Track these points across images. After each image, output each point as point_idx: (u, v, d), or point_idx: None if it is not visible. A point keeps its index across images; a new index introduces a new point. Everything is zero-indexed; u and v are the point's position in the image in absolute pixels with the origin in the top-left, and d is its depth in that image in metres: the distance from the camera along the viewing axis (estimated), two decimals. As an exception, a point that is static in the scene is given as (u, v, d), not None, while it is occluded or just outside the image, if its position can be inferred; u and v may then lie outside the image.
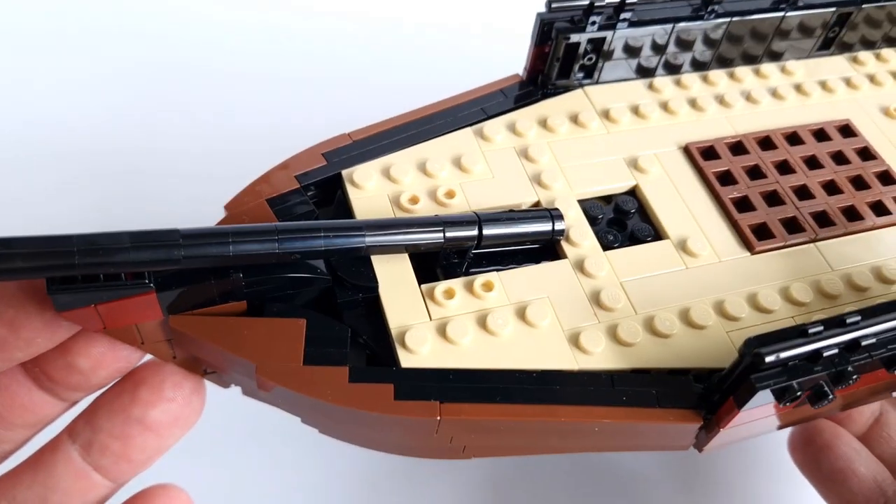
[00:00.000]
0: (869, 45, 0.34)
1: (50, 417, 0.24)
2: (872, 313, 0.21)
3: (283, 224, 0.22)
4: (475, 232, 0.24)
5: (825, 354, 0.21)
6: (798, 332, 0.21)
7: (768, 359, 0.20)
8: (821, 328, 0.21)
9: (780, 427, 0.26)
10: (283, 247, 0.21)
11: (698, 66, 0.32)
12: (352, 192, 0.25)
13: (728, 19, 0.30)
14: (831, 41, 0.33)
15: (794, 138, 0.30)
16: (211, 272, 0.21)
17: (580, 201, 0.27)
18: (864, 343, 0.21)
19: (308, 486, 0.34)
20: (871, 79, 0.33)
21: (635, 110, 0.30)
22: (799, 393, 0.21)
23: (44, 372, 0.22)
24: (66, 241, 0.19)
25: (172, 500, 0.23)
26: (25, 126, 0.45)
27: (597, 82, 0.30)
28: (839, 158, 0.30)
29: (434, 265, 0.24)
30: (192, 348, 0.22)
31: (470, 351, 0.22)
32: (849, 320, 0.21)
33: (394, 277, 0.23)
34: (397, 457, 0.25)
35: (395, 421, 0.21)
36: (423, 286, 0.23)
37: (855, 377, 0.21)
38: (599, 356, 0.23)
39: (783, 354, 0.20)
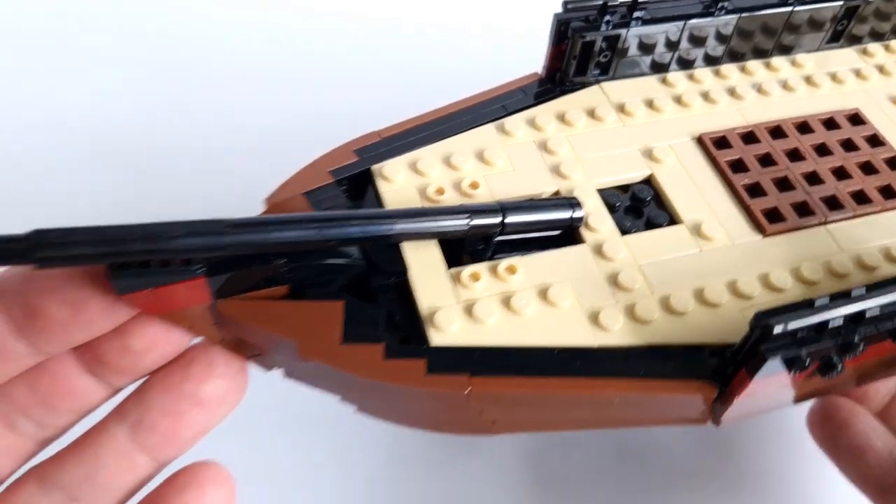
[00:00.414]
0: (878, 36, 0.35)
1: (93, 404, 0.25)
2: (877, 287, 0.22)
3: (321, 213, 0.23)
4: (499, 219, 0.25)
5: (831, 325, 0.22)
6: (805, 305, 0.22)
7: (776, 330, 0.21)
8: (827, 301, 0.22)
9: (797, 400, 0.27)
10: (320, 234, 0.23)
11: (710, 60, 0.33)
12: (382, 186, 0.27)
13: (737, 15, 0.32)
14: (840, 34, 0.34)
15: (804, 127, 0.31)
16: (255, 259, 0.23)
17: (599, 190, 0.28)
18: (868, 315, 0.22)
19: (334, 470, 0.36)
20: (881, 69, 0.34)
21: (650, 104, 0.31)
22: (808, 362, 0.22)
23: (98, 355, 0.24)
24: (126, 230, 0.21)
25: (213, 476, 0.25)
26: (29, 128, 0.48)
27: (612, 78, 0.32)
28: (848, 145, 0.31)
29: (461, 251, 0.26)
30: (237, 330, 0.24)
31: (496, 329, 0.24)
32: (854, 293, 0.22)
33: (423, 262, 0.25)
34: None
35: (427, 394, 0.23)
36: (450, 270, 0.25)
37: (861, 348, 0.22)
38: (618, 333, 0.24)
39: (791, 325, 0.21)
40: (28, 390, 0.24)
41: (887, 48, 0.35)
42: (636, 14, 0.30)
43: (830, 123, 0.31)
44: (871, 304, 0.22)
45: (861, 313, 0.22)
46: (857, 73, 0.34)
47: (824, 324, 0.22)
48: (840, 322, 0.22)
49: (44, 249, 0.20)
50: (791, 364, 0.22)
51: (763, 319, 0.22)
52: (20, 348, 0.22)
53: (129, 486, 0.25)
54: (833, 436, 0.31)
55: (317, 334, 0.23)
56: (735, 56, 0.33)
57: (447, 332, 0.24)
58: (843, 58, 0.34)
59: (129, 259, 0.21)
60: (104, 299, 0.22)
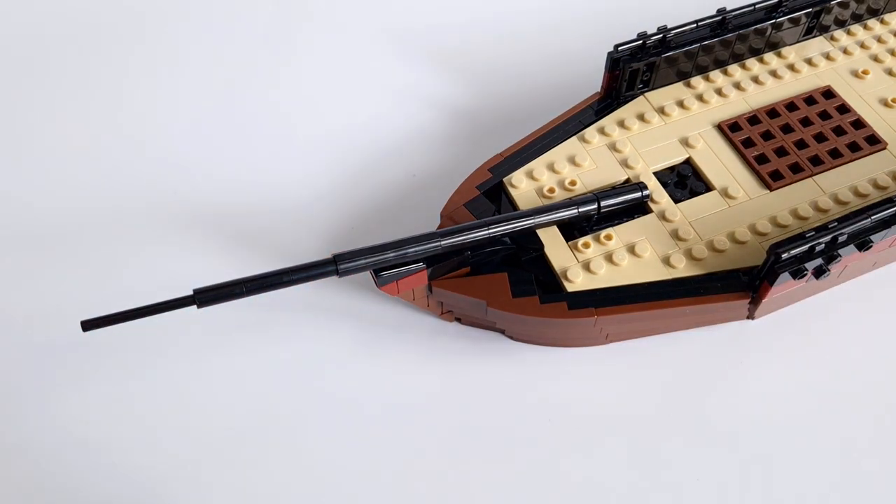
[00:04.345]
0: (840, 23, 0.48)
1: None
2: (844, 220, 0.36)
3: (488, 219, 0.37)
4: (596, 206, 0.39)
5: (817, 249, 0.35)
6: (800, 237, 0.35)
7: (784, 256, 0.35)
8: (814, 233, 0.35)
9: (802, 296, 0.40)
10: (489, 233, 0.36)
11: (718, 63, 0.46)
12: (512, 191, 0.40)
13: (736, 33, 0.44)
14: (812, 28, 0.47)
15: (791, 106, 0.44)
16: (453, 253, 0.37)
17: (654, 173, 0.41)
18: (839, 240, 0.35)
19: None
20: (844, 50, 0.46)
21: (681, 104, 0.44)
22: (806, 272, 0.35)
23: None
24: (383, 247, 0.34)
25: None
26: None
27: (651, 89, 0.45)
28: (824, 115, 0.43)
29: (572, 228, 0.39)
30: (442, 297, 0.38)
31: (605, 277, 0.37)
32: (830, 226, 0.35)
33: (550, 240, 0.38)
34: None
35: (570, 323, 0.36)
36: (569, 242, 0.38)
37: (839, 259, 0.36)
38: (682, 269, 0.38)
39: (792, 252, 0.35)
40: None
41: (848, 32, 0.47)
42: (667, 45, 0.43)
43: (810, 100, 0.44)
44: (841, 232, 0.35)
45: (835, 238, 0.35)
46: (827, 56, 0.46)
47: (813, 247, 0.35)
48: (823, 246, 0.35)
49: (344, 264, 0.34)
50: (795, 274, 0.35)
51: (775, 249, 0.35)
52: None
53: None
54: None
55: (496, 294, 0.37)
56: (737, 57, 0.46)
57: (575, 282, 0.37)
58: (816, 45, 0.47)
59: (386, 265, 0.35)
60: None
